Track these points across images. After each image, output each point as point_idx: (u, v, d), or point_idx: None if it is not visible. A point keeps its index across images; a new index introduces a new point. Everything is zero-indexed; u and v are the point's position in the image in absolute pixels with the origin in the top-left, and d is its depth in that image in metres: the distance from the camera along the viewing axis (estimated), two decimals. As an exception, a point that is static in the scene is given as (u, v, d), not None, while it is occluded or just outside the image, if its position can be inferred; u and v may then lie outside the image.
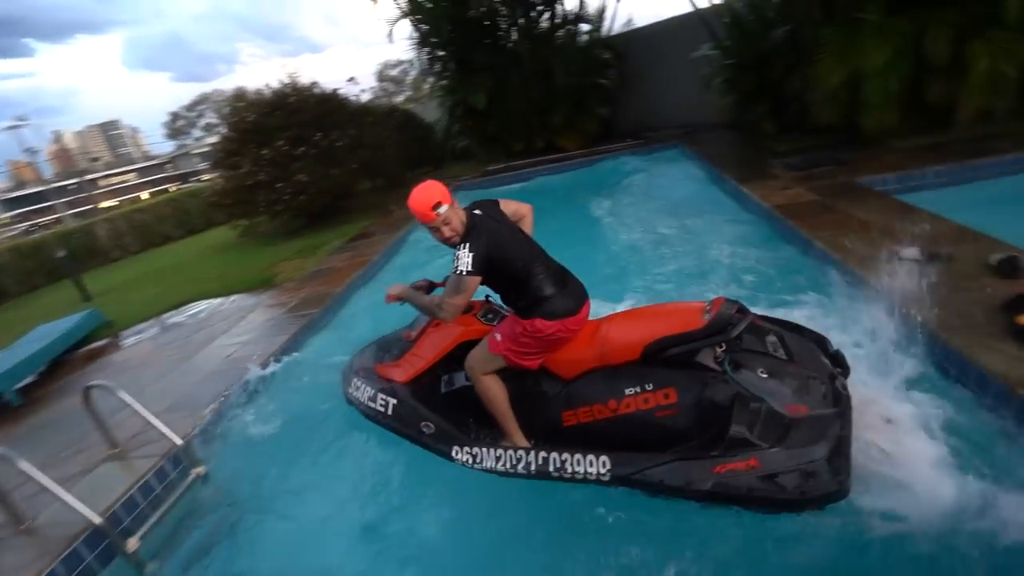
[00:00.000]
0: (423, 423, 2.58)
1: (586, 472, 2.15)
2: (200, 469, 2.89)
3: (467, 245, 2.00)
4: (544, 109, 10.27)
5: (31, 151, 48.83)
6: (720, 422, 1.91)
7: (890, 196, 4.33)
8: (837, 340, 2.34)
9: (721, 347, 1.99)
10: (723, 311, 1.91)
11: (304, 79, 8.82)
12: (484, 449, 2.41)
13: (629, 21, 11.11)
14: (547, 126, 10.42)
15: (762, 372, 1.96)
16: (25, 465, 2.27)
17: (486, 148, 11.55)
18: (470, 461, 2.43)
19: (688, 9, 8.71)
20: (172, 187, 44.73)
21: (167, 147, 61.19)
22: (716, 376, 1.97)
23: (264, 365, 3.80)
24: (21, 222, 47.46)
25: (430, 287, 2.67)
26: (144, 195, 48.16)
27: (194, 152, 53.62)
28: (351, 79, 14.94)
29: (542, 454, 2.27)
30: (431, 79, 11.86)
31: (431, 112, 12.98)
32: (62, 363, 5.28)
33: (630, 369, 2.09)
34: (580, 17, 10.91)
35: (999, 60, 4.71)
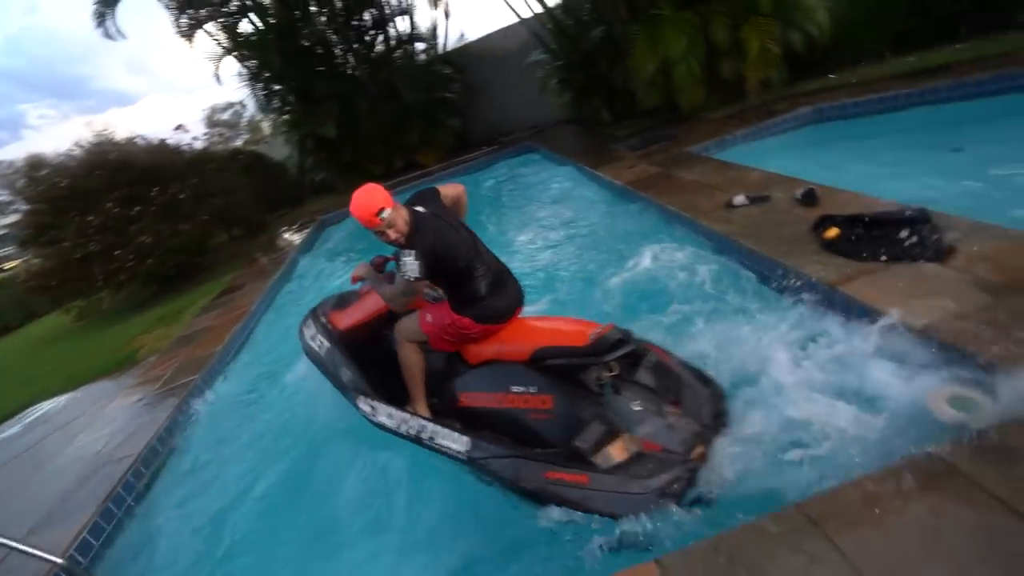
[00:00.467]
0: (342, 370, 2.74)
1: (448, 447, 2.30)
2: None
3: (414, 252, 2.03)
4: (396, 129, 10.29)
5: None
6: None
7: (713, 158, 5.08)
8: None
9: (610, 371, 2.11)
10: (607, 336, 2.03)
11: (118, 133, 7.90)
12: (382, 406, 2.57)
13: (462, 36, 11.61)
14: (403, 145, 10.46)
15: (636, 404, 2.08)
16: None
17: (344, 177, 11.24)
18: (369, 411, 2.61)
19: (513, 20, 9.32)
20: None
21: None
22: (593, 396, 2.11)
23: (146, 452, 3.37)
24: None
25: (384, 262, 2.72)
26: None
27: (-18, 238, 44.51)
28: (179, 127, 13.58)
29: (421, 422, 2.42)
30: (271, 115, 11.24)
31: (279, 150, 12.30)
32: None
33: (523, 370, 2.21)
34: (414, 36, 11.13)
35: (765, 40, 5.78)
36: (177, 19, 10.58)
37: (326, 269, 6.66)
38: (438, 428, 2.35)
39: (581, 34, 7.95)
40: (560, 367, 2.14)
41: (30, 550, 2.39)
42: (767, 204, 3.61)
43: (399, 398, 2.59)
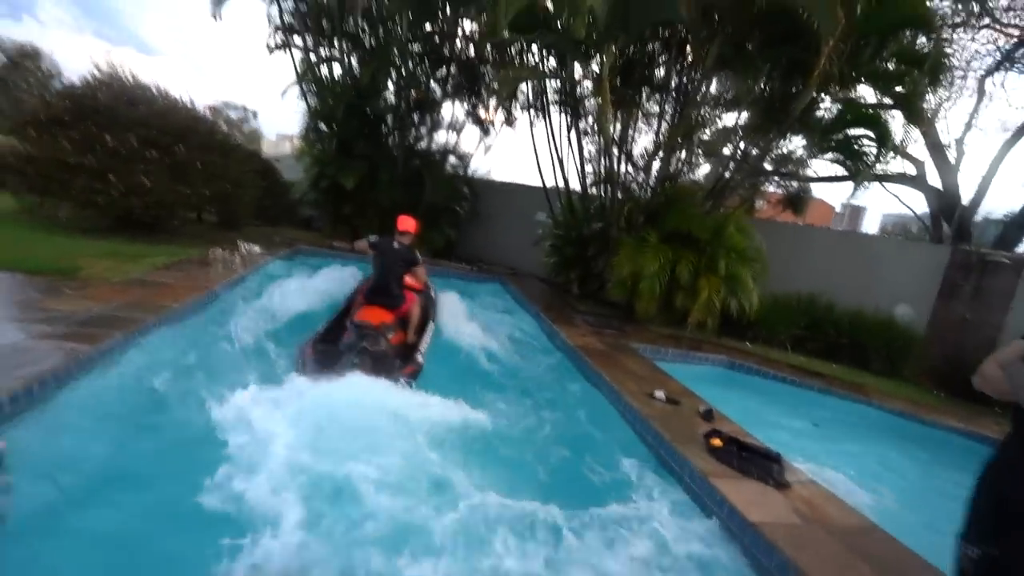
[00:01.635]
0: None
1: None
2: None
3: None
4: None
5: None
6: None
7: (647, 359, 6.20)
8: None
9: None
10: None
11: (147, 80, 8.25)
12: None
13: (488, 172, 13.44)
14: (381, 236, 11.40)
15: None
16: None
17: (334, 225, 11.90)
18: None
19: (538, 183, 11.11)
20: None
21: None
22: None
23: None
24: None
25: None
26: None
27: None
28: (211, 107, 14.11)
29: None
30: (305, 144, 12.13)
31: (287, 172, 12.98)
32: None
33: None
34: (453, 151, 12.83)
35: (712, 294, 7.40)
36: (274, 33, 11.91)
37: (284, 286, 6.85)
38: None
39: (585, 220, 9.63)
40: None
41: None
42: (678, 407, 4.57)
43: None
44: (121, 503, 2.57)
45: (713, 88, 9.47)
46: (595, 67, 6.77)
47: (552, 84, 10.18)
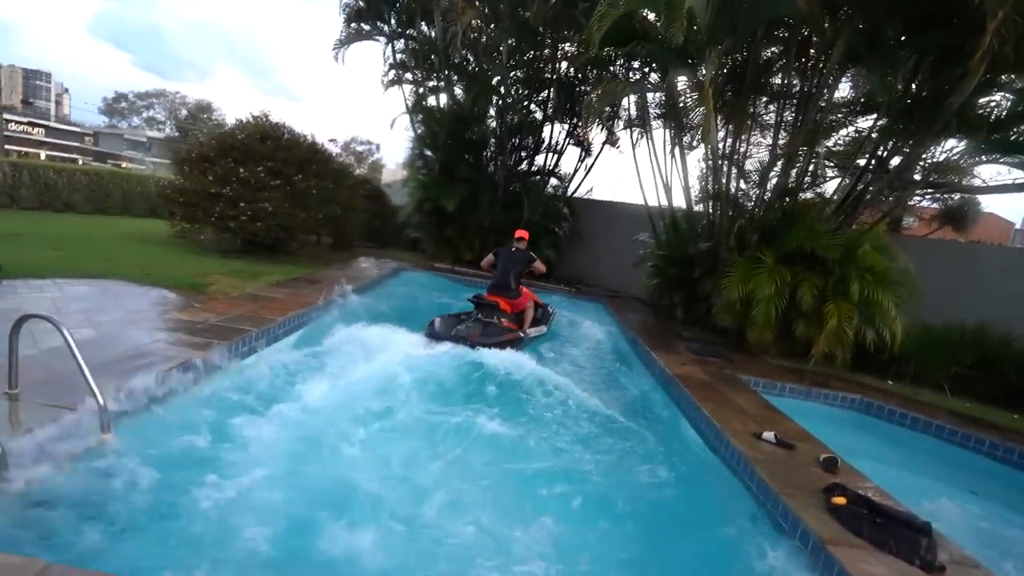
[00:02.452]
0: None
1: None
2: (110, 437, 2.78)
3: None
4: (503, 233, 11.43)
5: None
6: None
7: (758, 394, 5.42)
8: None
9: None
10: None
11: (279, 120, 9.27)
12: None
13: (589, 192, 13.15)
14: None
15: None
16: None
17: (437, 247, 12.38)
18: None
19: (640, 202, 10.59)
20: (80, 159, 40.77)
21: (94, 121, 56.95)
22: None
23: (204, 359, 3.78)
24: None
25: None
26: (41, 155, 43.25)
27: (126, 137, 50.29)
28: (332, 139, 15.69)
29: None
30: (412, 170, 12.86)
31: (396, 196, 13.84)
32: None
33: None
34: (553, 172, 12.78)
35: (843, 322, 6.36)
36: (387, 72, 12.91)
37: (381, 307, 7.19)
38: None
39: (691, 240, 8.92)
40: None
41: (91, 380, 2.76)
42: (791, 451, 3.86)
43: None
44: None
45: (844, 90, 8.41)
46: (700, 76, 6.25)
47: (655, 98, 9.73)
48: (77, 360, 2.72)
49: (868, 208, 8.05)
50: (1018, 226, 30.16)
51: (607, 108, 11.87)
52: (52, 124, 56.67)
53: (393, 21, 12.66)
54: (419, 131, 12.16)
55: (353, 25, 12.39)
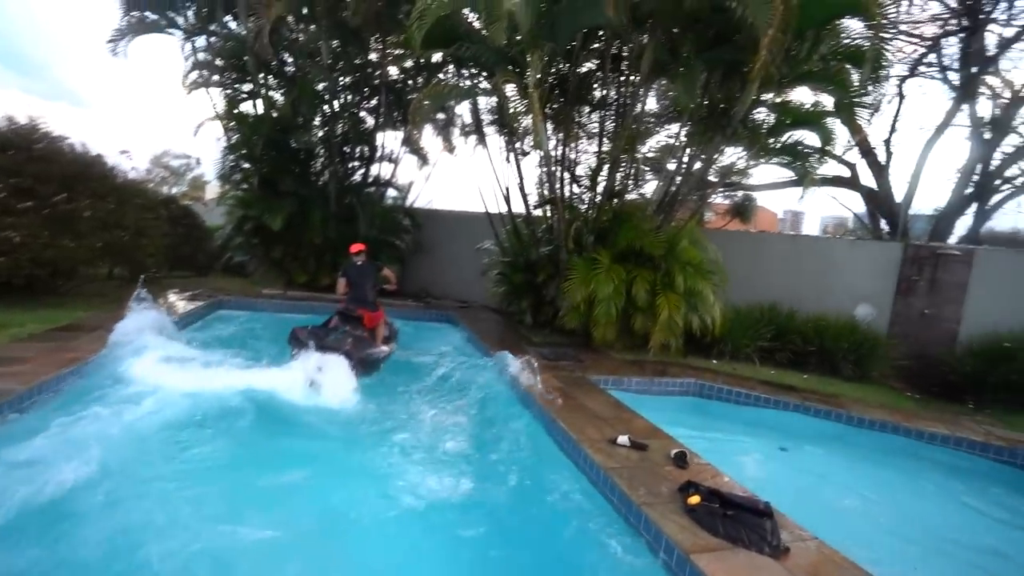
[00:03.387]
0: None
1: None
2: None
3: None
4: (339, 250, 10.45)
5: None
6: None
7: (609, 393, 5.54)
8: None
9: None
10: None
11: (54, 128, 7.34)
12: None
13: (430, 202, 12.76)
14: (336, 267, 10.50)
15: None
16: None
17: (265, 270, 10.92)
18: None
19: (480, 209, 10.49)
20: None
21: None
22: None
23: None
24: None
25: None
26: None
27: None
28: (125, 151, 13.00)
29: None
30: (226, 186, 11.16)
31: (215, 217, 11.95)
32: None
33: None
34: (390, 183, 12.12)
35: (673, 312, 6.89)
36: (188, 72, 11.07)
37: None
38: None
39: (532, 245, 9.05)
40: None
41: None
42: (645, 452, 3.91)
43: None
44: None
45: (653, 101, 9.27)
46: (526, 80, 6.26)
47: (488, 104, 9.72)
48: None
49: (680, 207, 8.97)
50: (780, 216, 37.42)
51: (440, 115, 11.66)
52: None
53: (191, 13, 10.86)
54: (232, 140, 10.58)
55: (134, 14, 10.33)
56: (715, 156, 8.28)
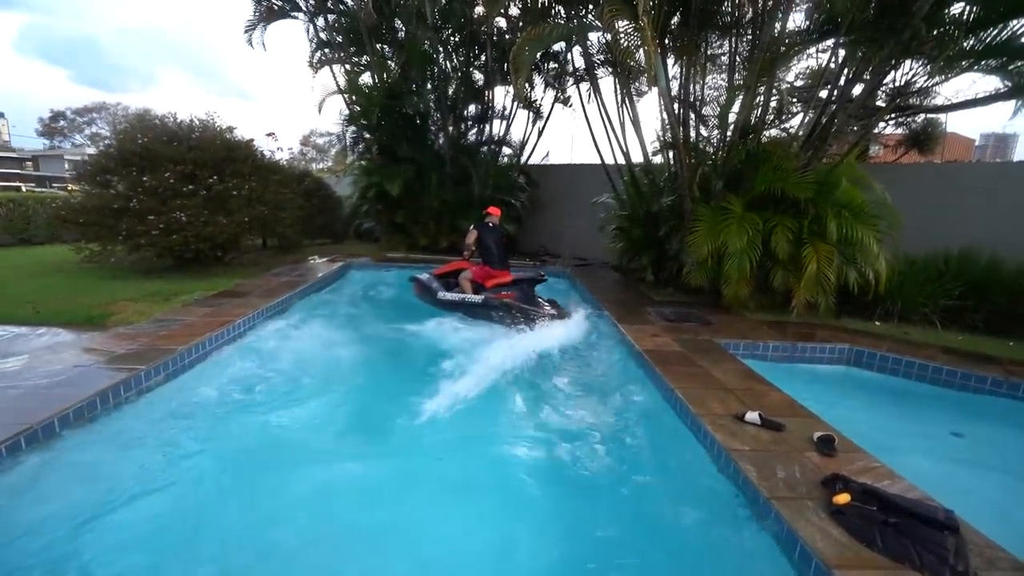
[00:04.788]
0: (435, 285, 6.56)
1: (474, 300, 6.28)
2: None
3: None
4: (456, 212, 10.64)
5: None
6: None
7: (739, 360, 4.86)
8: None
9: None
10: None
11: (223, 122, 8.41)
12: (449, 292, 6.43)
13: (546, 155, 12.35)
14: (456, 229, 10.73)
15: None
16: None
17: (390, 235, 11.57)
18: (444, 296, 6.40)
19: (597, 161, 9.86)
20: (23, 186, 38.26)
21: (37, 144, 53.59)
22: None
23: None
24: None
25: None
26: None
27: (68, 157, 47.43)
28: (271, 134, 14.54)
29: (464, 295, 6.36)
30: (352, 156, 11.91)
31: (344, 187, 12.90)
32: None
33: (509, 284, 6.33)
34: (504, 141, 11.92)
35: (824, 266, 5.82)
36: (313, 52, 11.81)
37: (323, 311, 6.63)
38: (471, 295, 6.29)
39: (652, 195, 8.27)
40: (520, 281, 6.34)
41: None
42: (780, 433, 3.31)
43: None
44: None
45: (798, 16, 7.70)
46: (636, 4, 5.46)
47: (600, 44, 8.90)
48: None
49: (835, 141, 7.46)
50: (978, 143, 30.18)
51: (553, 64, 11.03)
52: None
53: (311, -5, 11.49)
54: (352, 111, 11.16)
55: (263, 3, 11.19)
56: (884, 73, 6.66)
